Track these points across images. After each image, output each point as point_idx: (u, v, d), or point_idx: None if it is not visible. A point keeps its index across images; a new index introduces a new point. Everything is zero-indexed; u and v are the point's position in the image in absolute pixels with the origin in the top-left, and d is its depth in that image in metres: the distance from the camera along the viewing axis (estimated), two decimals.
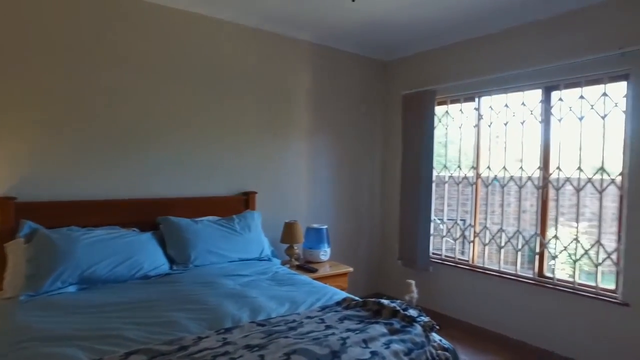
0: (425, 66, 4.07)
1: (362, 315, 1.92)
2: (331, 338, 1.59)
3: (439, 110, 3.98)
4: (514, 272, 3.38)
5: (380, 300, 2.01)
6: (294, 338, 1.60)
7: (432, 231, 3.96)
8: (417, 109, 3.96)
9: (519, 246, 3.35)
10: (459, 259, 3.83)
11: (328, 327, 1.75)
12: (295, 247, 3.46)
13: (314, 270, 3.29)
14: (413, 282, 3.61)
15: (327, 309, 2.02)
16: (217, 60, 3.31)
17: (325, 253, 3.58)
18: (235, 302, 2.08)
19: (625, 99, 2.78)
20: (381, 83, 4.49)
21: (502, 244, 3.45)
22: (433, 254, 4.01)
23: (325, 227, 3.64)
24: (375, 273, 4.54)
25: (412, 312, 1.89)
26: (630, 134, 2.72)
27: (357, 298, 2.18)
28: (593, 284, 2.92)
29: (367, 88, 4.37)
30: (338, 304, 2.11)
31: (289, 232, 3.41)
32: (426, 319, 1.85)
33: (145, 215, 2.92)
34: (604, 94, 2.85)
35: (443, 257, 3.95)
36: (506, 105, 3.43)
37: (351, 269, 3.50)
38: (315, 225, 3.64)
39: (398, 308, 1.91)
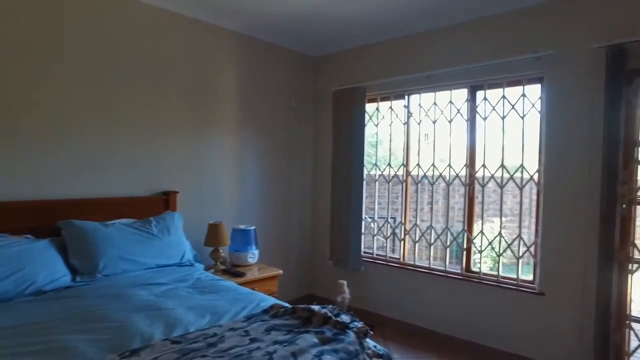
0: (356, 63, 4.03)
1: (291, 324, 1.76)
2: (256, 354, 1.42)
3: (369, 107, 3.96)
4: (443, 268, 3.44)
5: (310, 306, 1.87)
6: (212, 357, 1.40)
7: (363, 230, 3.93)
8: (348, 106, 3.91)
9: (448, 242, 3.41)
10: (390, 257, 3.84)
11: (253, 340, 1.58)
12: (221, 250, 3.22)
13: (241, 275, 3.08)
14: (345, 282, 3.56)
15: (253, 319, 1.84)
16: (130, 48, 2.96)
17: (253, 256, 3.38)
18: (147, 317, 1.82)
19: (540, 100, 2.92)
20: (311, 79, 4.38)
21: (432, 241, 3.50)
22: (364, 253, 3.98)
23: (253, 228, 3.44)
24: (307, 274, 4.42)
25: (345, 318, 1.77)
26: (545, 134, 2.86)
27: (286, 304, 2.03)
28: (515, 276, 3.05)
29: (297, 83, 4.23)
30: (265, 312, 1.94)
31: (213, 234, 3.16)
32: (359, 324, 1.74)
33: (44, 219, 2.51)
34: (523, 95, 2.98)
35: (374, 255, 3.94)
36: (435, 104, 3.48)
37: (281, 272, 3.34)
38: (242, 227, 3.42)
39: (329, 314, 1.79)
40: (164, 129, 3.16)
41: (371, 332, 1.72)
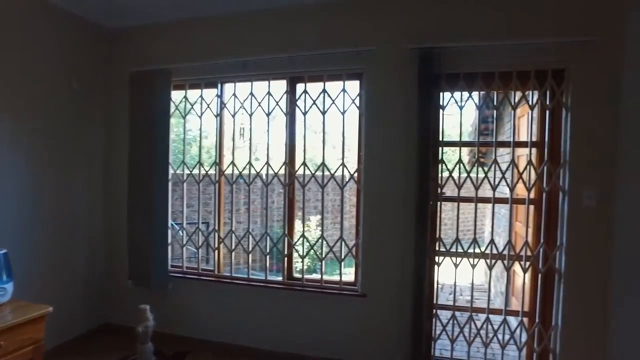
0: (160, 40, 3.30)
1: None
2: None
3: (176, 95, 3.30)
4: (263, 277, 3.10)
5: None
6: None
7: (170, 240, 3.27)
8: (149, 92, 3.16)
9: (267, 249, 3.09)
10: (204, 270, 3.29)
11: None
12: None
13: None
14: (147, 307, 2.83)
15: None
16: None
17: (3, 292, 2.34)
18: None
19: (359, 97, 2.87)
20: (102, 55, 3.41)
21: (250, 248, 3.12)
22: (172, 267, 3.33)
23: (4, 251, 2.39)
24: (100, 300, 3.46)
25: None
26: (364, 132, 2.82)
27: None
28: (338, 279, 2.94)
29: (81, 58, 3.22)
30: None
31: None
32: None
33: None
34: (344, 90, 2.87)
35: (184, 269, 3.32)
36: (252, 94, 3.09)
37: (50, 309, 2.39)
38: None
39: None
40: None
41: None
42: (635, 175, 2.44)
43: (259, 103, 3.06)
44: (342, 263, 2.94)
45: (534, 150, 2.72)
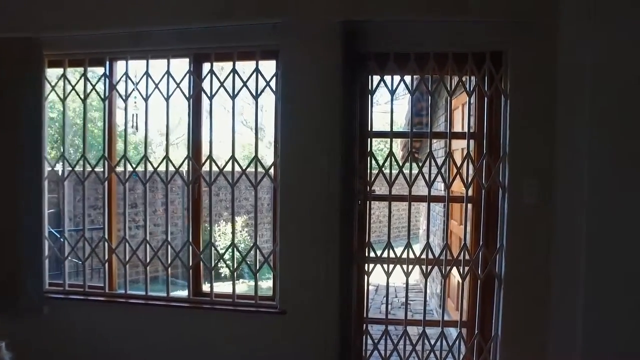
0: (25, 1, 2.63)
1: None
2: None
3: (52, 73, 2.67)
4: (165, 295, 2.58)
5: None
6: None
7: (46, 252, 2.64)
8: (12, 68, 2.51)
9: (169, 260, 2.57)
10: (91, 288, 2.70)
11: None
12: None
13: None
14: (2, 344, 2.24)
15: None
16: None
17: None
18: None
19: (275, 78, 2.42)
20: None
21: (148, 259, 2.58)
22: (50, 285, 2.70)
23: None
24: None
25: None
26: (281, 120, 2.38)
27: None
28: (253, 294, 2.49)
29: None
30: None
31: None
32: None
33: None
34: (257, 71, 2.41)
35: (66, 288, 2.69)
36: (147, 74, 2.53)
37: None
38: None
39: None
40: None
41: None
42: (573, 169, 2.22)
43: (156, 85, 2.52)
44: (260, 274, 2.49)
45: (472, 142, 2.44)
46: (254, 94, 2.38)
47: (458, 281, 2.49)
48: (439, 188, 3.30)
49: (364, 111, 2.36)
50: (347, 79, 2.28)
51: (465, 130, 2.42)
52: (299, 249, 2.36)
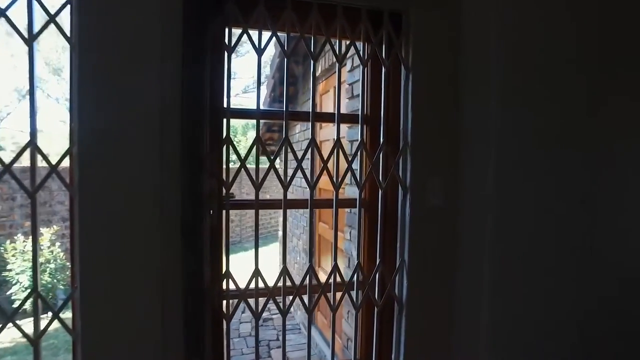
0: None
1: None
2: None
3: None
4: None
5: None
6: None
7: None
8: None
9: None
10: None
11: None
12: None
13: None
14: None
15: None
16: None
17: None
18: None
19: (70, 15, 1.49)
20: None
21: None
22: None
23: None
24: None
25: None
26: (78, 83, 1.45)
27: None
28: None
29: None
30: None
31: None
32: None
33: None
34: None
35: None
36: None
37: None
38: None
39: None
40: None
41: None
42: (478, 160, 1.81)
43: None
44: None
45: (366, 128, 1.86)
46: (27, 35, 1.40)
47: (349, 311, 1.91)
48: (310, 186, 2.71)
49: (218, 78, 1.59)
50: (191, 27, 1.49)
51: (359, 112, 1.82)
52: (113, 288, 1.48)
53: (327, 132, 3.84)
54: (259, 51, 1.60)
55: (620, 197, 2.13)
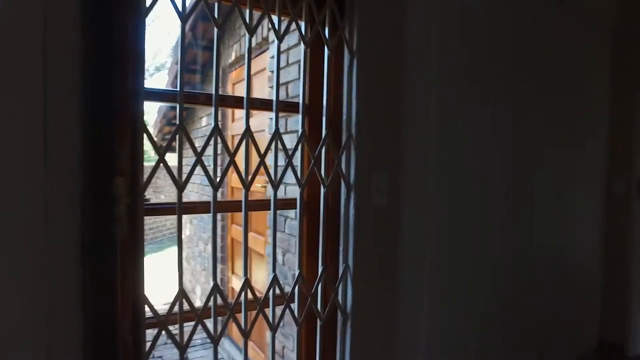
0: None
1: None
2: None
3: None
4: None
5: None
6: None
7: None
8: None
9: None
10: None
11: None
12: None
13: None
14: None
15: None
16: None
17: None
18: None
19: None
20: None
21: None
22: None
23: None
24: None
25: None
26: None
27: None
28: None
29: None
30: None
31: None
32: None
33: None
34: None
35: None
36: None
37: None
38: None
39: None
40: None
41: None
42: (419, 154, 1.75)
43: None
44: None
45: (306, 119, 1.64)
46: None
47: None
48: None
49: (129, 46, 1.22)
50: None
51: (299, 99, 1.59)
52: None
53: (240, 125, 3.52)
54: (182, 16, 1.28)
55: (542, 195, 2.26)
